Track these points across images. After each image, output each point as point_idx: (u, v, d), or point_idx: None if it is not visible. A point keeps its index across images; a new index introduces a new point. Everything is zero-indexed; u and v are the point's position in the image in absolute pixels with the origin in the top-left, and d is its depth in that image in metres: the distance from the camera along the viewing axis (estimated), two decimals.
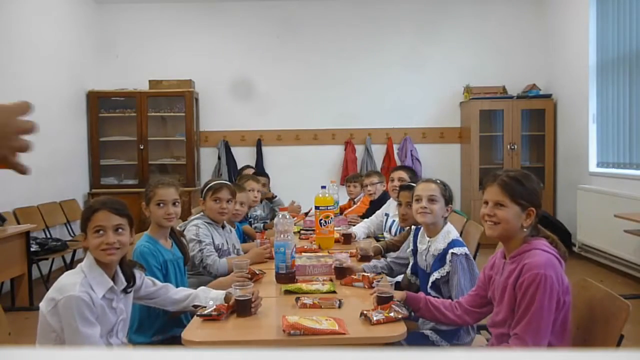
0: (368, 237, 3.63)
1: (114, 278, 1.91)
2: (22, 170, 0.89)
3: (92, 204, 1.93)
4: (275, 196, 4.84)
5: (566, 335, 1.74)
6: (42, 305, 1.79)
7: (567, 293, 1.71)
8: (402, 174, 3.60)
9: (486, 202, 1.84)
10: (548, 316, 1.65)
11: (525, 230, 1.79)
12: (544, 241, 1.77)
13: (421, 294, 2.12)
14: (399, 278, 2.75)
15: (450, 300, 2.10)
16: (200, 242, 2.80)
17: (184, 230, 2.90)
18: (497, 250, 1.95)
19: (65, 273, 1.88)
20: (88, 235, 1.87)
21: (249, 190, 3.90)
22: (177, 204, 2.49)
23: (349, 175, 5.24)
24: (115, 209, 1.89)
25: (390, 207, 3.76)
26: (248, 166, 5.37)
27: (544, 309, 1.64)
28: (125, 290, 1.96)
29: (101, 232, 1.85)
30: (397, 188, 3.52)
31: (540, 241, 1.76)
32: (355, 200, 4.90)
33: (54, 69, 5.73)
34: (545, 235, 1.81)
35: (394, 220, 3.58)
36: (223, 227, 3.07)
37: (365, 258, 2.44)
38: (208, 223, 2.94)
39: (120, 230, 1.89)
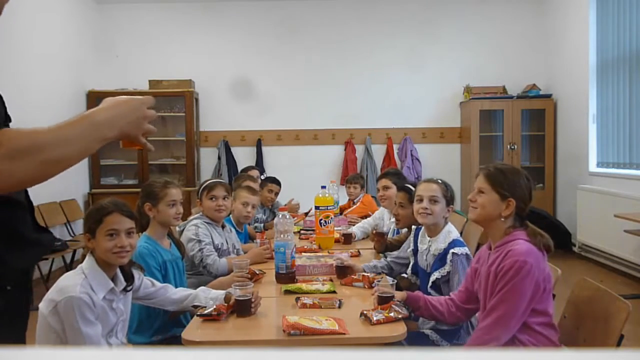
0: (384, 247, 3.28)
1: (113, 278, 1.91)
2: (148, 148, 1.16)
3: (103, 205, 1.91)
4: (275, 201, 4.84)
5: (550, 316, 1.80)
6: (42, 306, 1.79)
7: (548, 281, 1.78)
8: (387, 182, 3.56)
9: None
10: (521, 298, 1.72)
11: (503, 220, 1.85)
12: (523, 233, 1.82)
13: (420, 293, 2.12)
14: None
15: (446, 298, 2.11)
16: (199, 241, 2.81)
17: (183, 230, 2.91)
18: (484, 246, 1.98)
19: (66, 274, 1.88)
20: (98, 237, 1.87)
21: None
22: (182, 203, 2.56)
23: (349, 176, 5.24)
24: (126, 211, 1.91)
25: (385, 213, 3.74)
26: (252, 167, 5.37)
27: (518, 292, 1.71)
28: (124, 290, 1.96)
29: (114, 235, 1.86)
30: (384, 197, 3.53)
31: (521, 232, 1.82)
32: (355, 200, 4.90)
33: (54, 69, 5.73)
34: (532, 230, 1.84)
35: (388, 228, 3.57)
36: (223, 227, 3.07)
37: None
38: (207, 223, 2.94)
39: (131, 233, 1.90)
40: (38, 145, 0.96)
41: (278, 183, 4.68)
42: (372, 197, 5.18)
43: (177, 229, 2.94)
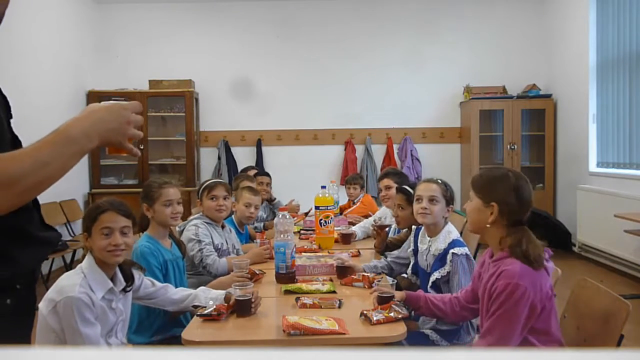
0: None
1: (112, 278, 1.92)
2: (134, 153, 1.16)
3: (99, 204, 1.92)
4: (275, 198, 4.84)
5: (554, 332, 1.74)
6: (42, 306, 1.79)
7: (548, 299, 1.70)
8: (389, 182, 3.56)
9: None
10: (515, 322, 1.66)
11: (489, 226, 1.78)
12: (509, 252, 1.72)
13: (420, 292, 2.12)
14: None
15: (449, 296, 2.10)
16: (199, 241, 2.80)
17: (183, 230, 2.90)
18: (487, 249, 1.96)
19: (65, 274, 1.89)
20: (93, 235, 1.87)
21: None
22: (180, 202, 2.54)
23: (348, 177, 5.22)
24: (122, 210, 1.91)
25: (387, 213, 3.74)
26: (251, 167, 5.37)
27: (512, 316, 1.65)
28: (124, 290, 1.96)
29: (108, 233, 1.86)
30: (386, 196, 3.53)
31: (509, 249, 1.72)
32: (355, 201, 4.90)
33: (54, 69, 5.73)
34: (514, 242, 1.72)
35: (389, 228, 3.57)
36: (223, 227, 3.07)
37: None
38: (207, 223, 2.94)
39: (126, 232, 1.91)
40: (16, 177, 0.95)
41: (266, 174, 4.71)
42: (372, 197, 5.18)
43: (177, 228, 2.94)
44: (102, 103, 1.11)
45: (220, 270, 2.73)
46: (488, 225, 1.78)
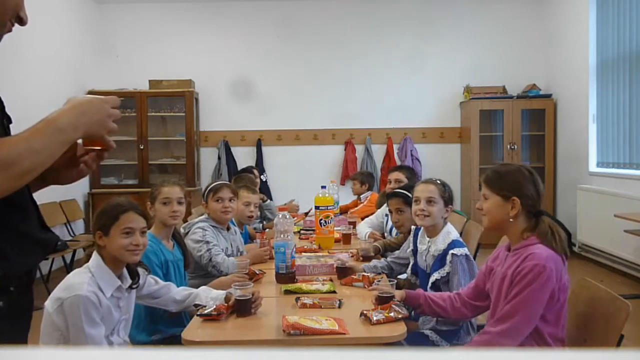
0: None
1: (119, 277, 1.92)
2: (111, 145, 1.20)
3: (119, 203, 1.94)
4: (266, 199, 4.82)
5: (561, 328, 1.76)
6: (48, 304, 1.80)
7: (564, 291, 1.72)
8: (399, 175, 3.56)
9: None
10: (539, 306, 1.67)
11: (512, 221, 1.80)
12: (537, 240, 1.76)
13: (420, 291, 2.12)
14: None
15: (449, 293, 2.10)
16: (207, 242, 2.78)
17: (188, 233, 2.88)
18: (503, 243, 1.96)
19: (72, 272, 1.89)
20: (112, 234, 1.88)
21: None
22: (181, 202, 2.53)
23: (355, 173, 5.21)
24: (140, 211, 1.94)
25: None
26: (250, 167, 5.36)
27: (536, 298, 1.66)
28: (130, 287, 1.97)
29: (130, 233, 1.88)
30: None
31: (535, 238, 1.76)
32: (362, 197, 4.87)
33: (54, 69, 5.73)
34: (544, 229, 1.78)
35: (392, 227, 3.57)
36: (228, 228, 3.06)
37: (366, 259, 2.45)
38: (213, 226, 2.92)
39: (144, 232, 1.94)
40: (10, 160, 0.98)
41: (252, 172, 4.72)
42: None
43: (182, 230, 2.91)
44: (83, 96, 1.15)
45: (231, 269, 2.70)
46: (511, 220, 1.80)
